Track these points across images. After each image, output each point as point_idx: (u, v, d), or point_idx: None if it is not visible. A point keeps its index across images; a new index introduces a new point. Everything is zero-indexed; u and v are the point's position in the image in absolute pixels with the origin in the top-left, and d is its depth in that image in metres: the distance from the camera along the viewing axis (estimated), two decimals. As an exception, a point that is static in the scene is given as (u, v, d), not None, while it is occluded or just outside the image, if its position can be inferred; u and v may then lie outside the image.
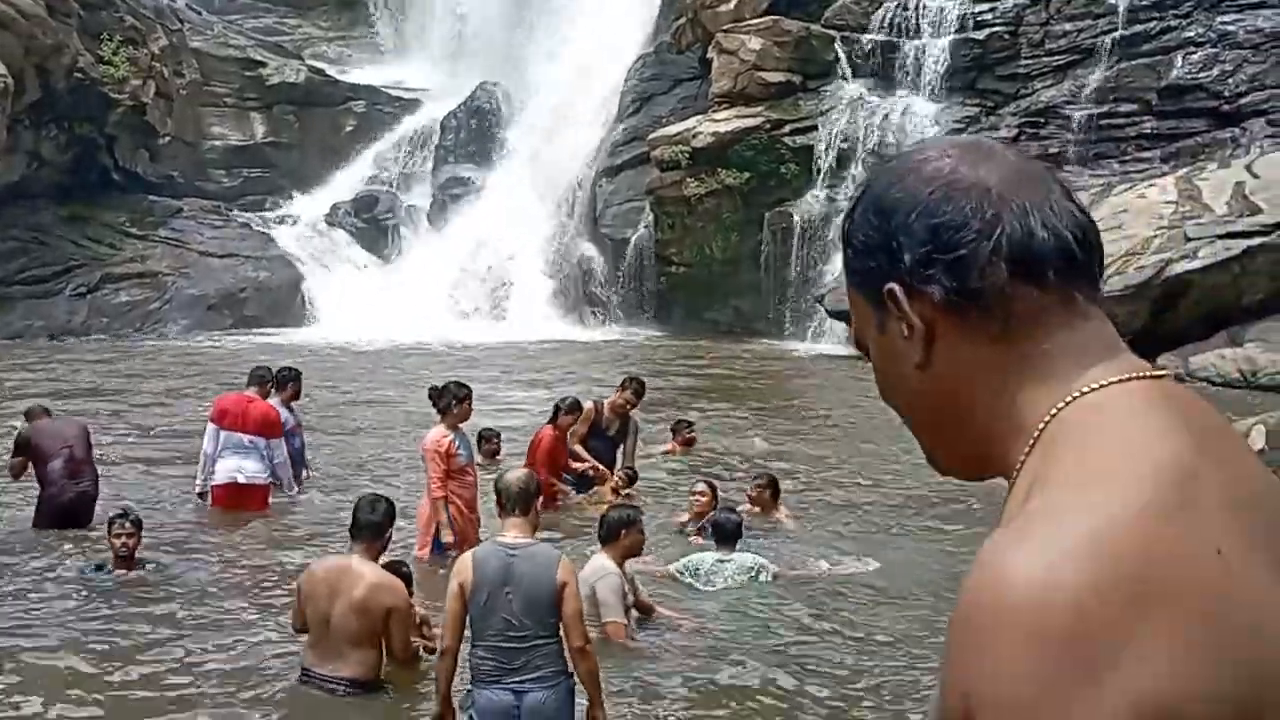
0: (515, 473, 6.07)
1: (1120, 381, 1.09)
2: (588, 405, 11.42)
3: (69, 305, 25.52)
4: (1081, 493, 1.02)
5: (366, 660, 6.44)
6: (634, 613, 7.51)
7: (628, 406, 11.57)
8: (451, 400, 9.23)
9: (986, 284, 1.11)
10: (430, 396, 9.46)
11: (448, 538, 8.99)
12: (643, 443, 12.30)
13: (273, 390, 11.18)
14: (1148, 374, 1.11)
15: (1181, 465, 1.03)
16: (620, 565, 7.36)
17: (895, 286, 1.16)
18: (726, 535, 8.81)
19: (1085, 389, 1.09)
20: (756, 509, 10.18)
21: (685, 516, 10.16)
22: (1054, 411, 1.09)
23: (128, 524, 8.38)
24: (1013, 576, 0.98)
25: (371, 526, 6.54)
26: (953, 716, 1.00)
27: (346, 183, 32.60)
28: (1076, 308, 1.13)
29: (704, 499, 10.02)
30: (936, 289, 1.13)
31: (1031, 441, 1.10)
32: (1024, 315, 1.12)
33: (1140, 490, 1.01)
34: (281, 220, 30.60)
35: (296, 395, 11.57)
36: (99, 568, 8.47)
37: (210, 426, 10.61)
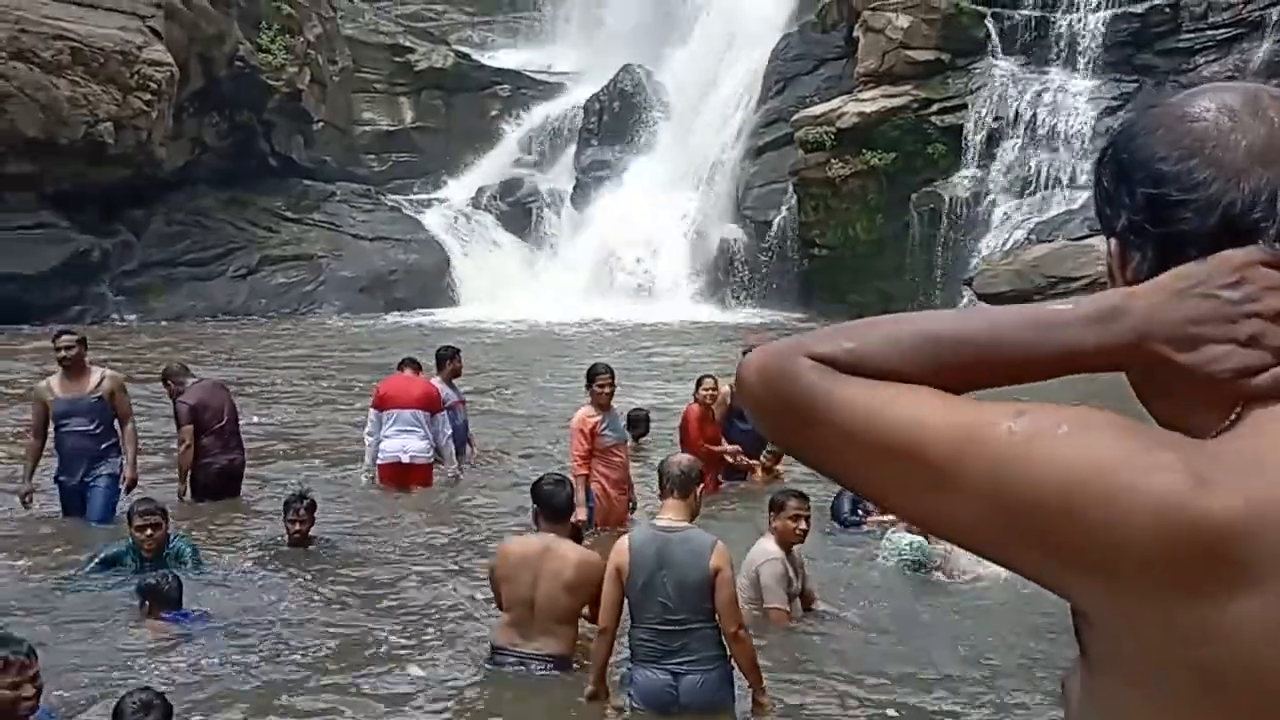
0: (679, 457, 6.15)
1: None
2: (723, 389, 11.01)
3: (229, 287, 26.47)
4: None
5: (569, 635, 6.59)
6: (798, 601, 7.47)
7: None
8: (594, 380, 9.48)
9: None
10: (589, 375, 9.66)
11: (581, 515, 9.10)
12: None
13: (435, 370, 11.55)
14: None
15: None
16: (785, 550, 7.33)
17: (1114, 243, 1.15)
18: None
19: None
20: None
21: None
22: (1239, 409, 1.05)
23: (302, 510, 8.68)
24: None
25: (563, 507, 6.68)
26: None
27: (492, 166, 33.11)
28: None
29: None
30: (1142, 257, 1.12)
31: (1227, 423, 1.05)
32: None
33: None
34: (429, 204, 31.23)
35: (457, 373, 11.86)
36: (274, 544, 8.81)
37: (372, 412, 10.93)
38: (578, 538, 7.09)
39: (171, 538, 8.05)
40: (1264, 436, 1.02)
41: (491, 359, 19.32)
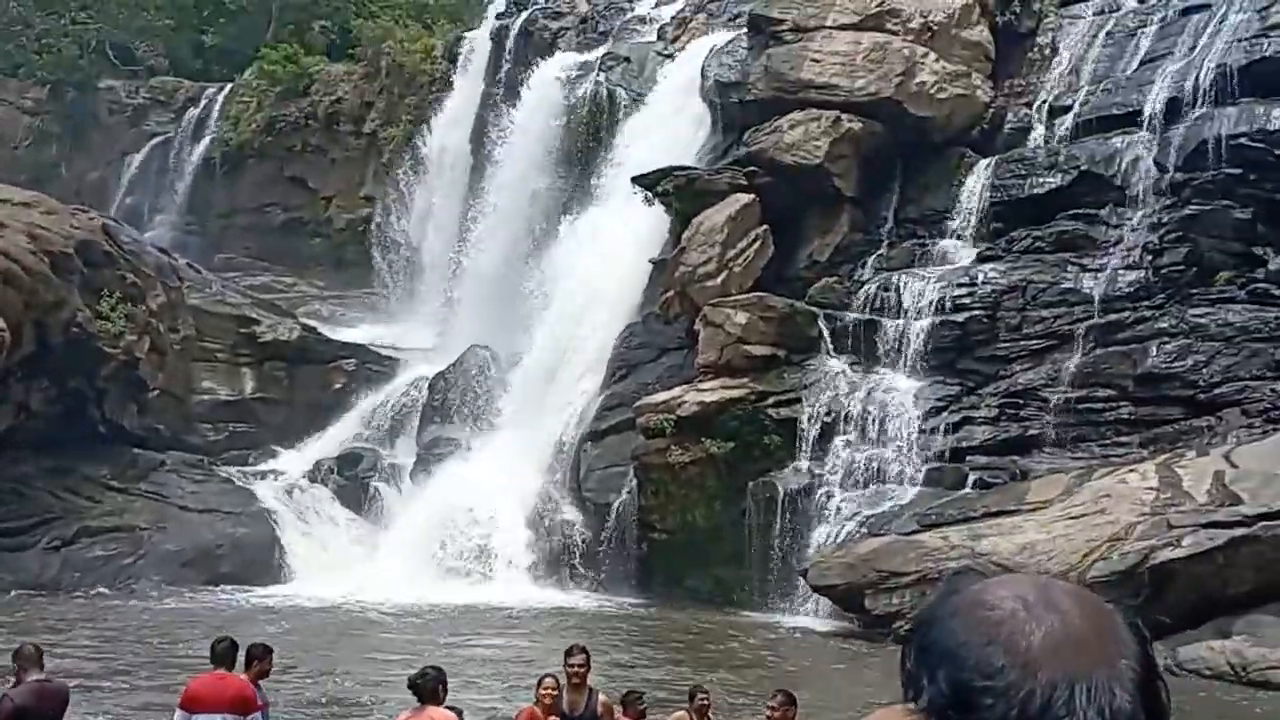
0: None
1: None
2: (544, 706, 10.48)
3: (41, 559, 25.11)
4: None
5: None
6: None
7: (578, 678, 10.68)
8: (440, 687, 9.13)
9: None
10: (411, 685, 9.24)
11: None
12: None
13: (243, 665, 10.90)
14: None
15: None
16: None
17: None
18: None
19: None
20: None
21: None
22: None
23: None
24: None
25: None
26: None
27: (332, 439, 32.73)
28: None
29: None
30: None
31: None
32: None
33: None
34: (264, 475, 30.54)
35: (265, 673, 11.20)
36: None
37: (179, 713, 10.26)
38: None
39: None
40: None
41: (314, 645, 18.53)
